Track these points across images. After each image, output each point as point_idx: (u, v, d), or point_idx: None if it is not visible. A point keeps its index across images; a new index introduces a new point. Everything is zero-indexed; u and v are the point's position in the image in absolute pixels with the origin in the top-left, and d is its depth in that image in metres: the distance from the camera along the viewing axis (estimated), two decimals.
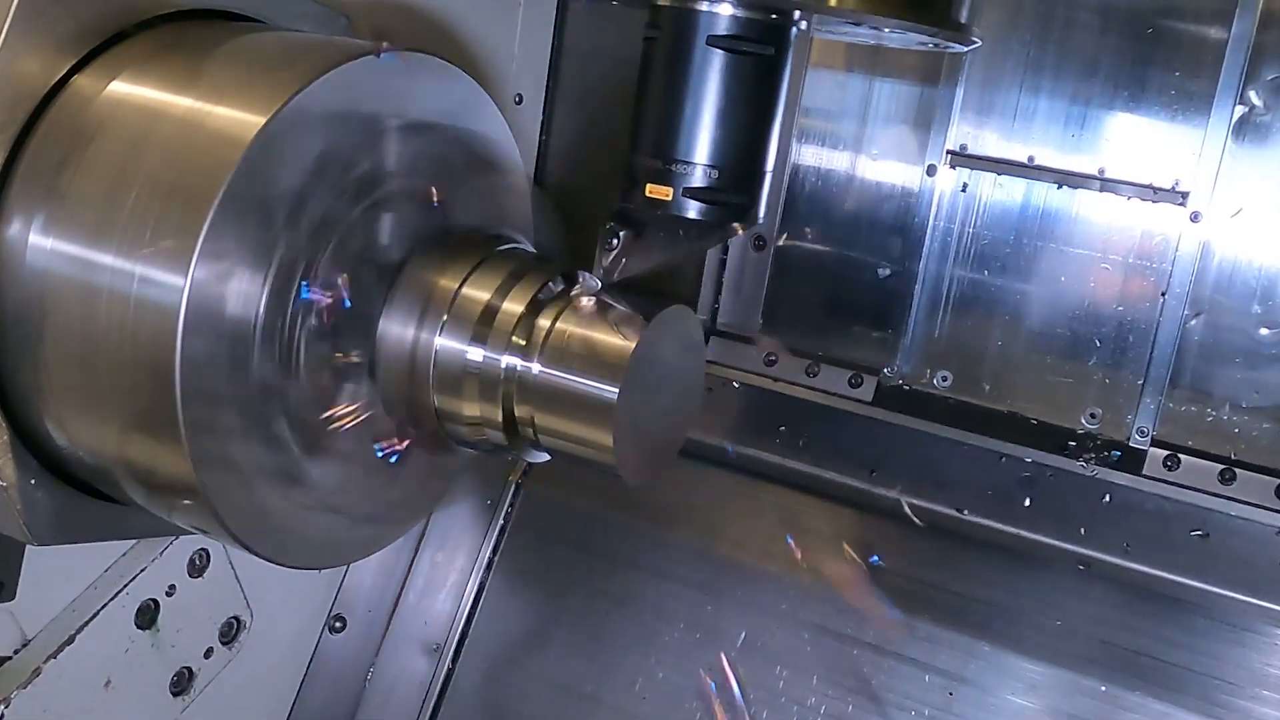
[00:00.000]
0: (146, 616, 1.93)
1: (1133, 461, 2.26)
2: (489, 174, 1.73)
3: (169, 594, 1.96)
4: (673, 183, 1.62)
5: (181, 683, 2.05)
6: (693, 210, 1.63)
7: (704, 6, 1.60)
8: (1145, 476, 2.24)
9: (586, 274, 1.67)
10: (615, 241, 1.63)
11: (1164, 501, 2.22)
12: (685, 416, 1.70)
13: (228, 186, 1.31)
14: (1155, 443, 2.26)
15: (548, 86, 2.63)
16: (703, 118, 1.61)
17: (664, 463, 1.67)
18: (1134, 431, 2.28)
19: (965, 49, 1.80)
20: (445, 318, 1.57)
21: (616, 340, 1.52)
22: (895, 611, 2.31)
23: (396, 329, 1.57)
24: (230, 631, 2.14)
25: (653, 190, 1.63)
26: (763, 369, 2.54)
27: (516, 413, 1.57)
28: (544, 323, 1.56)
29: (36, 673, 1.78)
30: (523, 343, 1.55)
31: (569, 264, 1.65)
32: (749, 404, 2.56)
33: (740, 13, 1.60)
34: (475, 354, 1.56)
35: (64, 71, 1.47)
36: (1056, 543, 2.29)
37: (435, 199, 1.63)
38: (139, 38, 1.52)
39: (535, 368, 1.54)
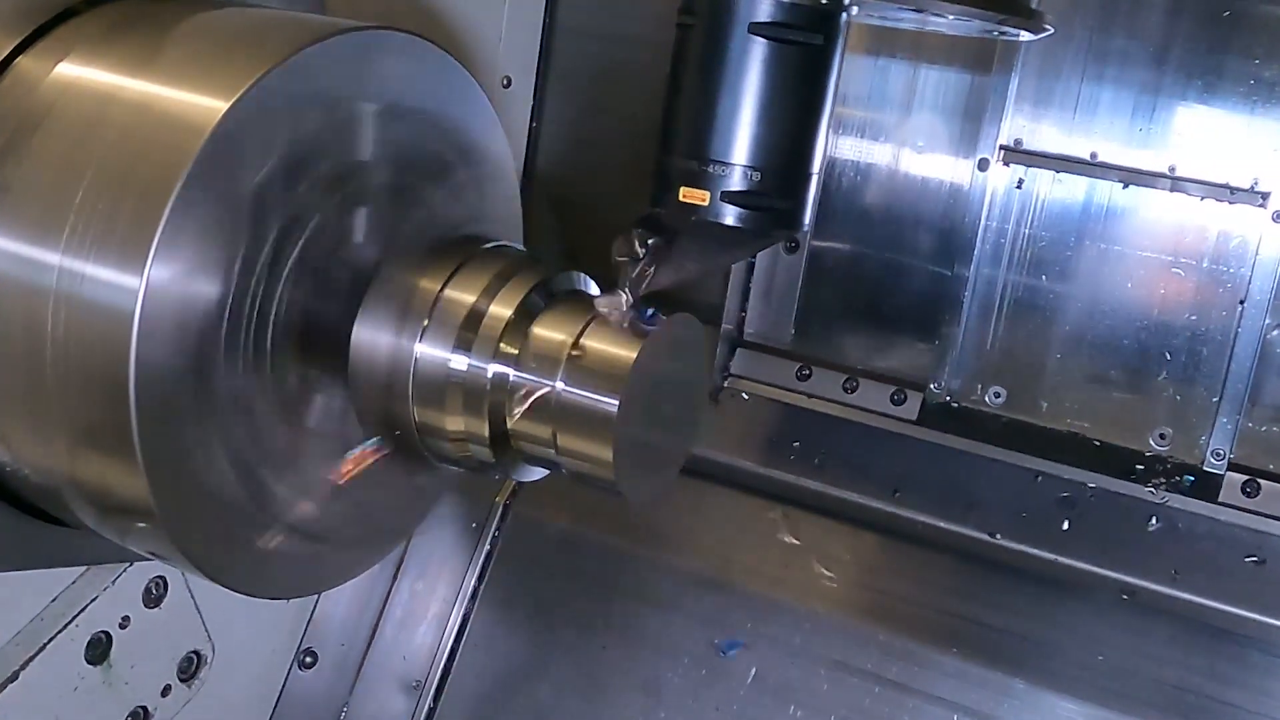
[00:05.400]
0: (98, 651, 1.93)
1: (1207, 487, 2.23)
2: (474, 165, 1.73)
3: (123, 626, 1.95)
4: (709, 186, 1.60)
5: None
6: (731, 216, 1.60)
7: None
8: (1222, 504, 2.21)
9: (581, 275, 1.67)
10: (643, 250, 1.61)
11: (1215, 524, 2.22)
12: (688, 431, 1.70)
13: (187, 178, 1.30)
14: (1233, 466, 2.23)
15: (538, 69, 2.63)
16: (743, 114, 1.58)
17: (665, 479, 1.67)
18: (1209, 454, 2.24)
19: (1036, 37, 1.76)
20: (426, 322, 1.57)
21: (616, 348, 1.52)
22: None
23: (372, 335, 1.56)
24: (190, 667, 2.13)
25: (687, 194, 1.60)
26: (795, 384, 2.52)
27: (509, 426, 1.56)
28: (537, 329, 1.56)
29: None
30: (514, 350, 1.55)
31: (563, 264, 1.65)
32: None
33: None
34: (459, 362, 1.56)
35: (6, 52, 1.46)
36: (1098, 569, 2.28)
37: (415, 193, 1.63)
38: (89, 15, 1.52)
39: (527, 377, 1.54)
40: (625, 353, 1.51)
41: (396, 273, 1.58)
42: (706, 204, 1.60)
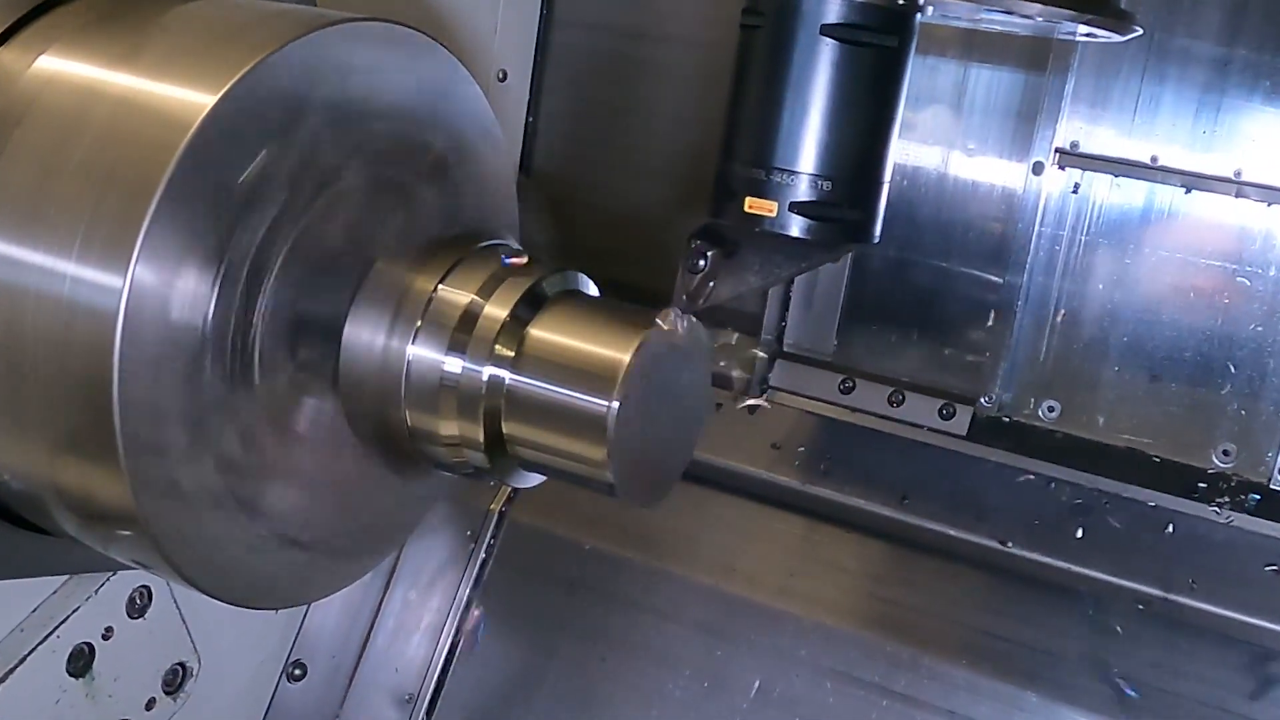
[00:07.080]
0: (80, 662, 1.92)
1: (1274, 506, 2.22)
2: (469, 161, 1.72)
3: (105, 637, 1.95)
4: (777, 195, 1.57)
5: None
6: (799, 228, 1.58)
7: None
8: None
9: (579, 275, 1.66)
10: (702, 262, 1.58)
11: (1234, 532, 2.21)
12: (690, 434, 1.69)
13: (172, 175, 1.30)
14: None
15: (535, 62, 2.63)
16: (813, 120, 1.56)
17: (667, 484, 1.67)
18: (1275, 471, 2.24)
19: (1124, 39, 1.73)
20: (419, 323, 1.57)
21: (613, 350, 1.52)
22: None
23: (364, 336, 1.56)
24: (175, 680, 2.13)
25: (753, 204, 1.58)
26: (838, 397, 2.50)
27: (505, 430, 1.56)
28: (533, 330, 1.56)
29: None
30: (509, 353, 1.55)
31: (560, 263, 1.65)
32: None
33: None
34: (453, 365, 1.56)
35: None
36: (1112, 579, 2.28)
37: (407, 189, 1.63)
38: (71, 6, 1.52)
39: (524, 380, 1.54)
40: (620, 354, 1.51)
41: (389, 272, 1.58)
42: (774, 214, 1.58)
